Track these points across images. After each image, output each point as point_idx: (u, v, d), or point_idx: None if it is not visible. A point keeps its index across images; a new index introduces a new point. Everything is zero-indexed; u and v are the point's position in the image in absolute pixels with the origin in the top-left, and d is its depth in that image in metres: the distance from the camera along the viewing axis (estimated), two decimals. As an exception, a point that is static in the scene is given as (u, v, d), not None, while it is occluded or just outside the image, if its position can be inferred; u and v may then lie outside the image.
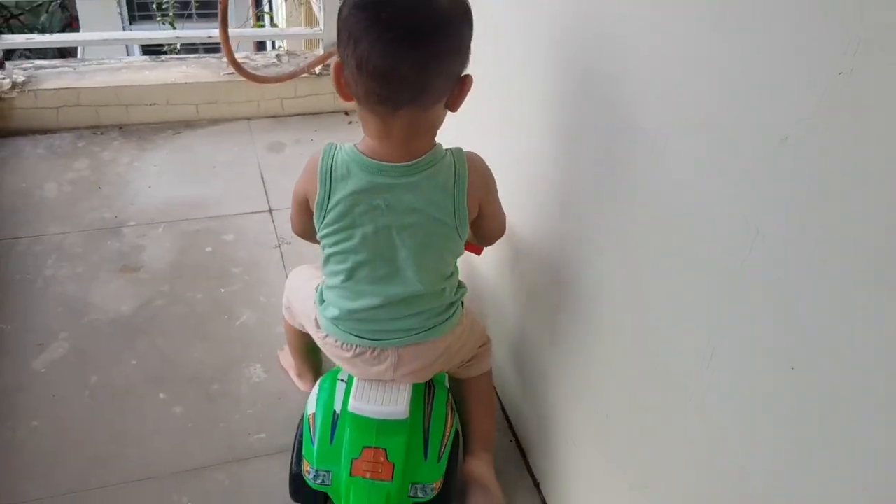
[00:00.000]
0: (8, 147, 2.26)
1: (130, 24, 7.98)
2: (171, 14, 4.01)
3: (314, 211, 1.17)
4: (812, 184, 0.72)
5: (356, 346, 1.25)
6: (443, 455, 1.32)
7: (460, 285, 1.32)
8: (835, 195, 0.69)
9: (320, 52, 2.51)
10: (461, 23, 1.07)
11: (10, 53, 5.54)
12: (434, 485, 1.31)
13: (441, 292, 1.25)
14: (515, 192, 1.40)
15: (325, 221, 1.17)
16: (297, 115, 2.53)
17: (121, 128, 2.39)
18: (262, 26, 4.15)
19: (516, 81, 1.42)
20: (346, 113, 2.56)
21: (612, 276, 1.15)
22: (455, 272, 1.29)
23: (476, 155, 1.21)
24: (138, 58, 2.47)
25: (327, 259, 1.23)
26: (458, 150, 1.18)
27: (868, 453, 0.69)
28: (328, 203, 1.15)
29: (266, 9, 4.46)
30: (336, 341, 1.27)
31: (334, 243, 1.19)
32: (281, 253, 2.00)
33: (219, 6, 2.14)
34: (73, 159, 2.25)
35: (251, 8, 4.86)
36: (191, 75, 2.43)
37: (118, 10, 7.77)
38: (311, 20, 4.10)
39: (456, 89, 1.10)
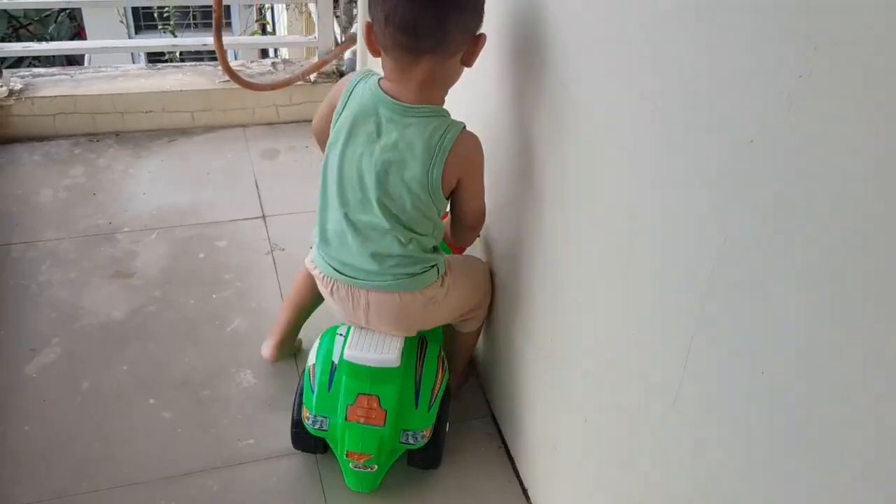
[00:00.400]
0: (5, 154, 2.28)
1: (136, 33, 8.01)
2: (172, 23, 4.03)
3: (332, 119, 1.33)
4: (778, 185, 0.73)
5: (333, 282, 1.38)
6: (433, 405, 1.42)
7: (437, 250, 1.40)
8: (800, 196, 0.70)
9: (316, 59, 2.53)
10: None
11: (19, 62, 5.59)
12: (424, 432, 1.42)
13: (407, 242, 1.32)
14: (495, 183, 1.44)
15: (333, 130, 1.32)
16: (292, 122, 2.55)
17: (117, 135, 2.41)
18: (266, 34, 4.17)
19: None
20: (341, 120, 2.58)
21: (592, 281, 1.16)
22: (428, 236, 1.36)
23: (473, 135, 1.32)
24: (135, 66, 2.50)
25: (322, 170, 1.36)
26: (461, 122, 1.30)
27: (841, 454, 0.70)
28: (341, 112, 1.30)
29: (268, 17, 4.48)
30: (320, 273, 1.40)
31: (329, 153, 1.33)
32: (273, 259, 2.02)
33: (213, 14, 2.16)
34: (69, 166, 2.26)
35: (255, 14, 4.89)
36: (186, 83, 2.45)
37: (122, 20, 7.82)
38: (312, 29, 4.13)
39: (472, 45, 1.25)
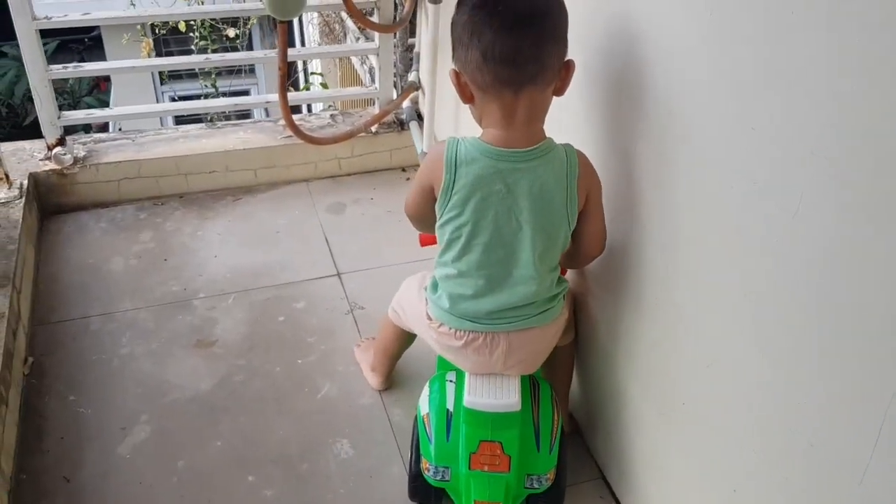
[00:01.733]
0: (71, 222, 2.25)
1: (161, 83, 8.08)
2: (213, 76, 4.04)
3: (438, 197, 1.29)
4: None
5: (468, 333, 1.35)
6: (553, 446, 1.40)
7: (561, 280, 1.40)
8: None
9: (375, 110, 2.50)
10: (561, 12, 1.25)
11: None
12: (548, 475, 1.40)
13: (549, 283, 1.34)
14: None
15: (448, 206, 1.29)
16: (355, 174, 2.51)
17: (181, 197, 2.38)
18: (308, 89, 4.17)
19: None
20: (403, 169, 2.54)
21: (739, 333, 1.09)
22: (558, 266, 1.37)
23: (581, 151, 1.33)
24: (195, 126, 2.47)
25: (446, 246, 1.33)
26: (568, 144, 1.32)
27: None
28: (453, 187, 1.27)
29: (311, 69, 4.49)
30: (449, 329, 1.36)
31: (456, 228, 1.29)
32: (354, 318, 1.96)
33: (278, 72, 2.13)
34: (137, 232, 2.23)
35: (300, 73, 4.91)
36: (248, 141, 2.42)
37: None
38: (350, 79, 4.13)
39: (563, 72, 1.25)
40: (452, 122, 2.22)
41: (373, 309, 1.98)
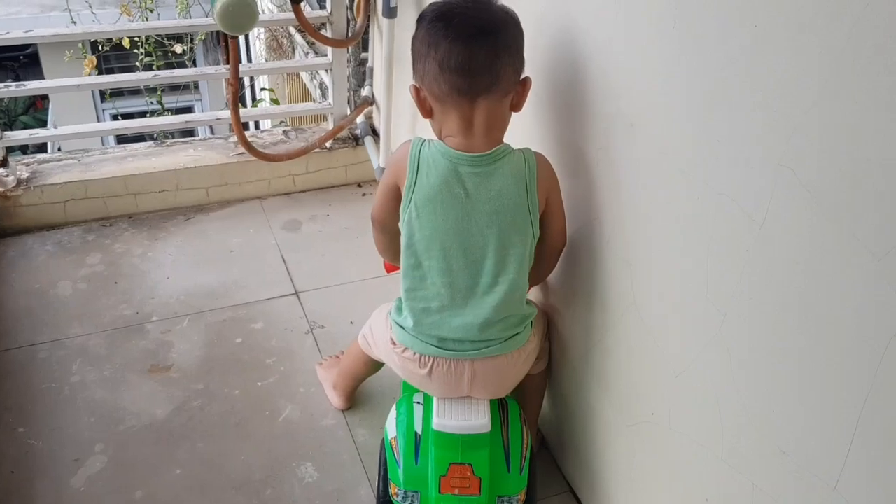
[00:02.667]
0: (16, 246, 2.17)
1: (102, 100, 7.88)
2: (159, 93, 3.95)
3: (403, 195, 1.30)
4: None
5: (433, 359, 1.33)
6: (524, 466, 1.37)
7: (530, 303, 1.39)
8: None
9: (329, 125, 2.47)
10: (516, 26, 1.27)
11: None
12: (519, 496, 1.37)
13: (518, 297, 1.32)
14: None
15: (410, 206, 1.28)
16: (310, 190, 2.48)
17: (130, 217, 2.31)
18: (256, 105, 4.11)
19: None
20: (359, 185, 2.51)
21: (708, 340, 1.10)
22: (525, 289, 1.35)
23: (541, 153, 1.33)
24: (143, 145, 2.41)
25: (407, 250, 1.31)
26: (527, 148, 1.32)
27: None
28: (414, 186, 1.27)
29: (260, 85, 4.42)
30: (413, 355, 1.34)
31: (417, 230, 1.29)
32: (314, 338, 1.93)
33: (230, 88, 2.10)
34: (85, 254, 2.16)
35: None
36: (199, 158, 2.37)
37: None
38: (299, 95, 4.09)
39: (519, 87, 1.28)
40: (409, 136, 2.20)
41: (333, 328, 1.95)
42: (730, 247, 1.01)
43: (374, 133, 2.46)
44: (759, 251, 0.96)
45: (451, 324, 1.31)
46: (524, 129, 1.41)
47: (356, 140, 2.48)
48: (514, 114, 1.32)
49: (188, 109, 8.06)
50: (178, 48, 3.90)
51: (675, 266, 1.14)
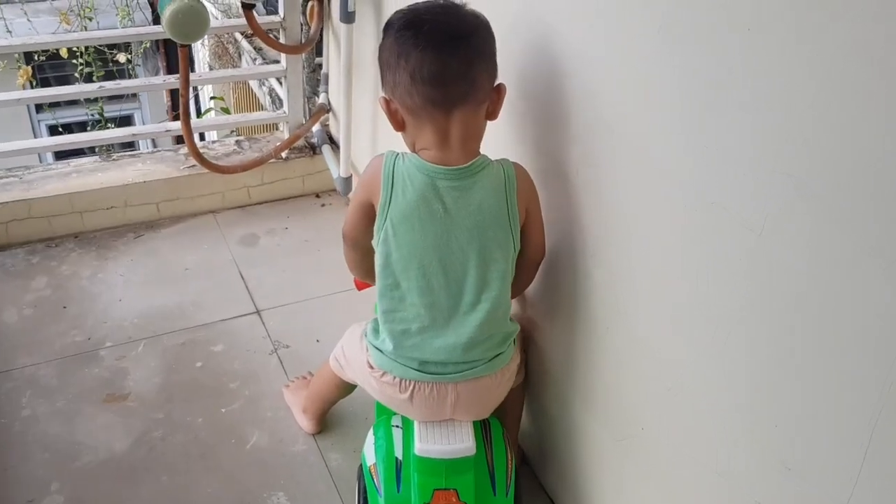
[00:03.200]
0: (-47, 272, 2.05)
1: (38, 111, 7.60)
2: (100, 104, 3.79)
3: (378, 213, 1.23)
4: None
5: (413, 383, 1.26)
6: (510, 487, 1.32)
7: (512, 321, 1.33)
8: None
9: (284, 134, 2.39)
10: (487, 30, 1.21)
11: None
12: None
13: (502, 315, 1.26)
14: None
15: (385, 224, 1.22)
16: (266, 202, 2.39)
17: (77, 237, 2.20)
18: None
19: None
20: (317, 195, 2.43)
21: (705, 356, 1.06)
22: (508, 305, 1.29)
23: (519, 164, 1.28)
24: (88, 160, 2.29)
25: (383, 270, 1.24)
26: (504, 158, 1.27)
27: None
28: (389, 204, 1.21)
29: (207, 94, 4.29)
30: (393, 379, 1.27)
31: (394, 249, 1.22)
32: (279, 358, 1.85)
33: (181, 98, 2.00)
34: (30, 278, 2.04)
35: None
36: (148, 172, 2.26)
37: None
38: (246, 102, 3.98)
39: (494, 95, 1.22)
40: (370, 145, 2.14)
41: (298, 347, 1.87)
42: (726, 256, 0.97)
43: (332, 141, 2.39)
44: (758, 261, 0.92)
45: (433, 345, 1.25)
46: (498, 138, 1.36)
47: (313, 149, 2.40)
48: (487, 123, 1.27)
49: (128, 119, 7.84)
50: (122, 57, 3.75)
51: (667, 277, 1.10)
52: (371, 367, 1.31)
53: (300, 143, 2.37)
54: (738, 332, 0.99)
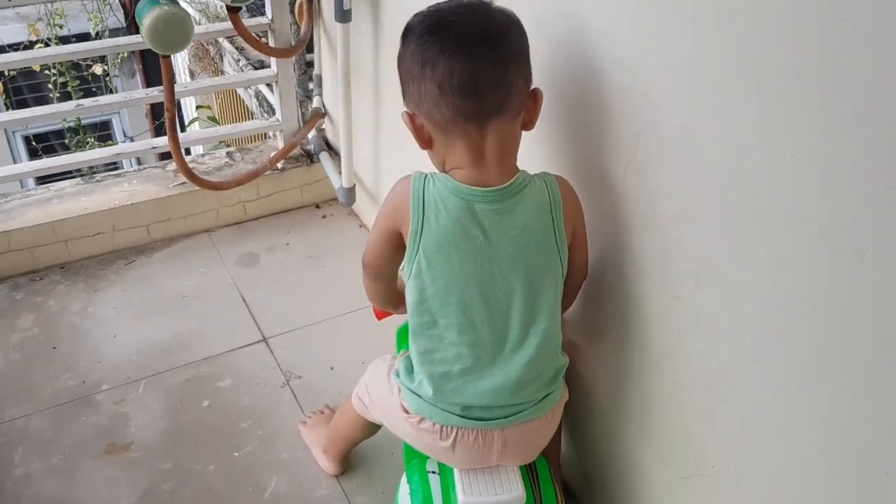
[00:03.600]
0: (-70, 314, 1.89)
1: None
2: (78, 116, 3.62)
3: (408, 243, 1.10)
4: None
5: (456, 430, 1.13)
6: None
7: (563, 355, 1.20)
8: None
9: (278, 143, 2.23)
10: (519, 29, 1.08)
11: None
12: None
13: (553, 348, 1.14)
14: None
15: (417, 256, 1.09)
16: (264, 217, 2.24)
17: (62, 268, 2.04)
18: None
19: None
20: (318, 206, 2.29)
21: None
22: (559, 334, 1.16)
23: (562, 177, 1.15)
24: (69, 183, 2.13)
25: (417, 309, 1.12)
26: (545, 172, 1.14)
27: None
28: (421, 234, 1.08)
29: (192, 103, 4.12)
30: (433, 426, 1.14)
31: (431, 282, 1.09)
32: (292, 391, 1.70)
33: (166, 114, 1.84)
34: (15, 317, 1.89)
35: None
36: (135, 193, 2.10)
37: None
38: (233, 109, 3.81)
39: (530, 102, 1.09)
40: (372, 153, 1.99)
41: (312, 376, 1.73)
42: (812, 282, 0.84)
43: (329, 148, 2.23)
44: (855, 288, 0.79)
45: (477, 388, 1.11)
46: (530, 147, 1.21)
47: (310, 157, 2.25)
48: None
49: (106, 124, 7.64)
50: (98, 69, 3.57)
51: (736, 301, 0.97)
52: (406, 412, 1.17)
53: (296, 151, 2.22)
54: (828, 363, 0.85)
